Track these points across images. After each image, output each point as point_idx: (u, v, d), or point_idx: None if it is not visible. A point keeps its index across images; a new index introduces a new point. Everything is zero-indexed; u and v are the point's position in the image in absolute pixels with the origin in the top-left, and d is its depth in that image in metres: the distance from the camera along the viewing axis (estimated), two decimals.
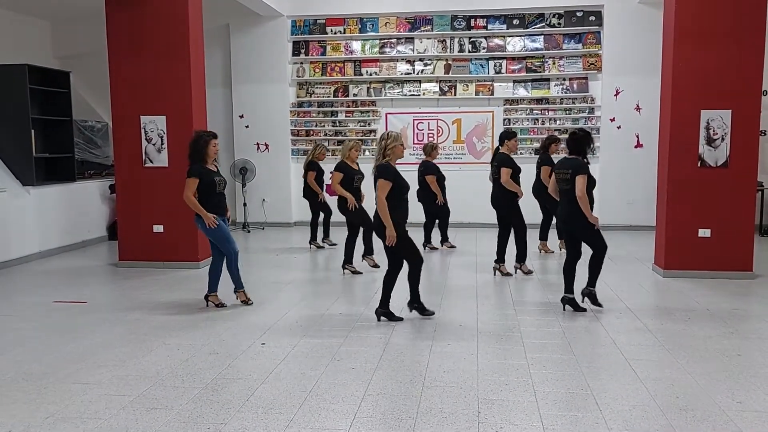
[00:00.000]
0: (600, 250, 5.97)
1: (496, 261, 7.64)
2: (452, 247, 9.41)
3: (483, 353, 4.91)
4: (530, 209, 8.59)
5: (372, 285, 7.17)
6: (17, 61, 9.18)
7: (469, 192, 10.74)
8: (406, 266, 5.71)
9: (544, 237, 9.06)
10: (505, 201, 7.41)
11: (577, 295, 6.09)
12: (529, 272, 7.58)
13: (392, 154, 5.53)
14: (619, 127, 11.08)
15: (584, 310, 6.03)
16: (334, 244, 9.53)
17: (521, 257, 7.54)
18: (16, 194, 8.74)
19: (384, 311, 5.73)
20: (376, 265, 7.84)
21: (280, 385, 4.30)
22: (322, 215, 9.62)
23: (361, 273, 7.68)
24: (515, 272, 7.58)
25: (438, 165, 9.19)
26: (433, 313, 5.83)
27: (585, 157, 5.88)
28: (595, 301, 6.08)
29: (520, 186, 7.39)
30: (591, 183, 5.83)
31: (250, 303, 6.36)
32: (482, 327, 5.58)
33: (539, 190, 8.54)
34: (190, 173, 5.97)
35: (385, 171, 5.48)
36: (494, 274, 7.60)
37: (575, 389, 4.21)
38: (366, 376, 4.45)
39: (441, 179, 9.11)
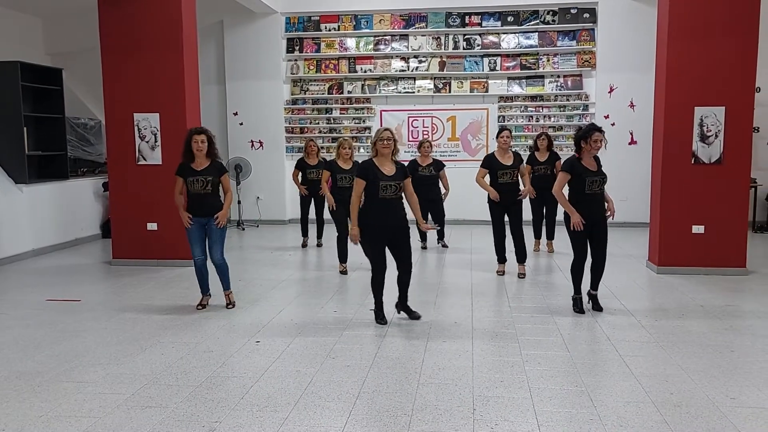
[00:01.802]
0: (575, 256, 5.90)
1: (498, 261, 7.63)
2: (424, 248, 9.25)
3: (478, 350, 4.91)
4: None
5: (367, 283, 7.15)
6: (9, 57, 9.12)
7: (464, 189, 10.73)
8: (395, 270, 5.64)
9: (538, 236, 9.06)
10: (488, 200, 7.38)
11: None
12: (500, 273, 7.50)
13: (377, 151, 5.42)
14: (613, 124, 11.09)
15: (582, 312, 5.94)
16: (305, 246, 9.57)
17: (498, 258, 7.54)
18: (8, 192, 8.69)
19: (376, 310, 5.72)
20: (344, 272, 7.69)
21: (275, 383, 4.29)
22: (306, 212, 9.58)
23: (345, 273, 7.67)
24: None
25: (421, 162, 8.93)
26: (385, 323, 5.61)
27: (579, 154, 5.80)
28: (576, 306, 5.97)
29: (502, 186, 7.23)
30: (580, 180, 5.70)
31: (199, 308, 6.15)
32: (477, 324, 5.58)
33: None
34: (176, 172, 5.96)
35: (360, 168, 5.47)
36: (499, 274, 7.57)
37: (570, 386, 4.22)
38: (361, 373, 4.45)
39: (418, 178, 8.53)
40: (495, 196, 7.21)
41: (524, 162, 7.75)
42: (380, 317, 5.65)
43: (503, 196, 7.23)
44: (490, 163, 7.30)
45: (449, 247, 9.34)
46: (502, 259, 7.55)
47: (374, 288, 5.66)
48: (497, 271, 7.54)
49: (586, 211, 5.72)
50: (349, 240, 5.57)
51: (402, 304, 5.76)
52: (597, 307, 5.97)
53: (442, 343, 5.08)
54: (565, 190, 5.87)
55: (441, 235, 9.45)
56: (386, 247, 5.55)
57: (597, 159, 5.86)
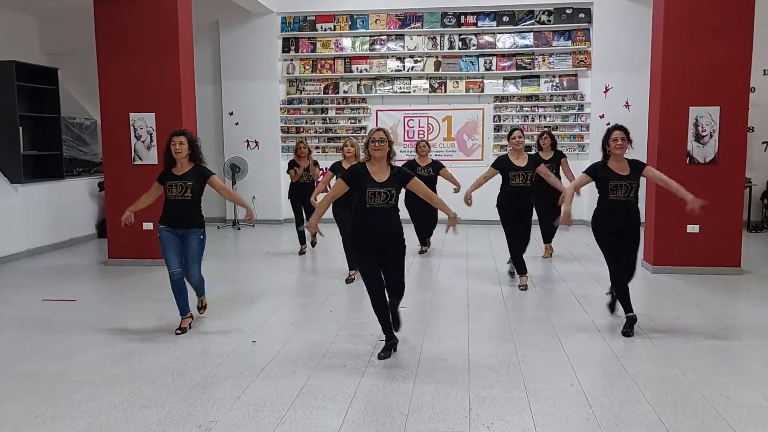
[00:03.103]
0: (609, 268, 5.44)
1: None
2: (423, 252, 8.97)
3: (474, 350, 4.91)
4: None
5: (363, 283, 7.15)
6: (4, 57, 9.10)
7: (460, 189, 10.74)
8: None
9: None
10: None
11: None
12: (523, 287, 6.77)
13: (369, 154, 4.75)
14: (608, 124, 11.00)
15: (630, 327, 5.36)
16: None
17: (518, 269, 6.87)
18: (3, 192, 8.67)
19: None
20: (350, 280, 7.20)
21: (270, 383, 4.29)
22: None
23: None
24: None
25: (420, 163, 8.74)
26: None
27: (605, 157, 5.46)
28: (612, 305, 5.75)
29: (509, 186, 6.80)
30: (603, 185, 5.36)
31: (177, 332, 5.38)
32: (473, 324, 5.59)
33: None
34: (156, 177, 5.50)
35: (349, 171, 4.94)
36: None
37: (565, 385, 4.23)
38: (357, 373, 4.45)
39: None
40: (468, 199, 6.76)
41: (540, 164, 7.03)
42: (386, 348, 4.84)
43: (516, 199, 6.72)
44: (501, 164, 6.78)
45: (443, 249, 9.32)
46: (522, 270, 6.85)
47: (376, 313, 4.83)
48: (520, 286, 6.82)
49: (612, 218, 5.33)
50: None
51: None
52: (627, 331, 5.28)
53: (438, 343, 5.08)
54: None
55: (429, 234, 9.03)
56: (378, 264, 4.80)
57: (632, 162, 5.41)
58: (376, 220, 4.67)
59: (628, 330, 5.26)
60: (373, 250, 4.72)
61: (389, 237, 4.73)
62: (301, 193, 8.81)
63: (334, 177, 7.05)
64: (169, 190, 5.36)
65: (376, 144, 4.68)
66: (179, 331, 5.39)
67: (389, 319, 4.85)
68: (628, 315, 5.32)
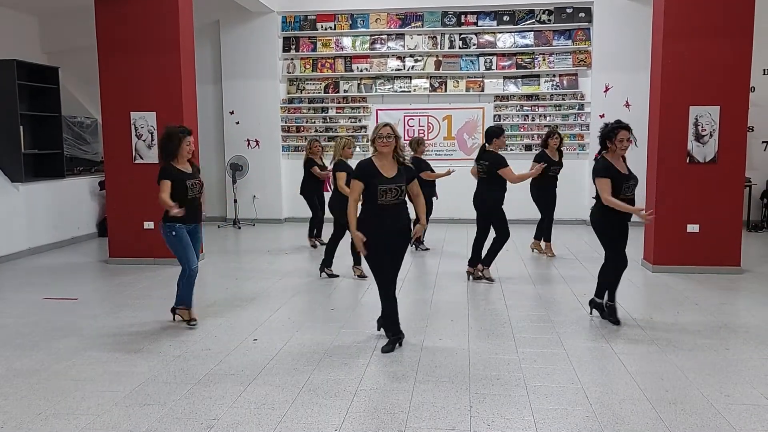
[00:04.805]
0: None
1: (469, 264, 7.25)
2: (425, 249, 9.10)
3: (474, 348, 4.93)
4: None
5: (363, 281, 7.17)
6: (5, 56, 9.11)
7: (459, 188, 10.74)
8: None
9: (538, 236, 8.70)
10: (490, 201, 6.97)
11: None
12: (490, 279, 7.07)
13: (376, 149, 4.82)
14: (607, 124, 11.10)
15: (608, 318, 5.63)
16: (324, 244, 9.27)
17: (487, 261, 7.11)
18: (4, 191, 8.68)
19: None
20: (362, 276, 7.24)
21: (272, 381, 4.31)
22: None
23: (337, 276, 7.32)
24: (478, 275, 7.11)
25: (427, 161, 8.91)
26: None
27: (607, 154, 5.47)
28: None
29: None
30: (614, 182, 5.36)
31: (193, 324, 5.57)
32: (473, 322, 5.61)
33: (534, 188, 8.36)
34: (161, 176, 5.38)
35: (357, 168, 4.85)
36: (468, 279, 7.18)
37: (566, 383, 4.25)
38: (358, 371, 4.47)
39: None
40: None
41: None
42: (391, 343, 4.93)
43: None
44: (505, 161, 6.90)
45: (444, 247, 9.34)
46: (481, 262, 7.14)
47: (389, 309, 4.94)
48: (488, 278, 7.11)
49: (622, 215, 5.41)
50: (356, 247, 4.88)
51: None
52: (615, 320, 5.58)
53: (439, 341, 5.10)
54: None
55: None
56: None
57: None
58: (387, 215, 4.75)
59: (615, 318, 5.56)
60: (384, 245, 4.79)
61: (397, 231, 4.84)
62: (318, 188, 9.37)
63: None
64: (191, 190, 5.51)
65: (384, 140, 4.75)
66: (194, 322, 5.58)
67: (397, 313, 4.98)
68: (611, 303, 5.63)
